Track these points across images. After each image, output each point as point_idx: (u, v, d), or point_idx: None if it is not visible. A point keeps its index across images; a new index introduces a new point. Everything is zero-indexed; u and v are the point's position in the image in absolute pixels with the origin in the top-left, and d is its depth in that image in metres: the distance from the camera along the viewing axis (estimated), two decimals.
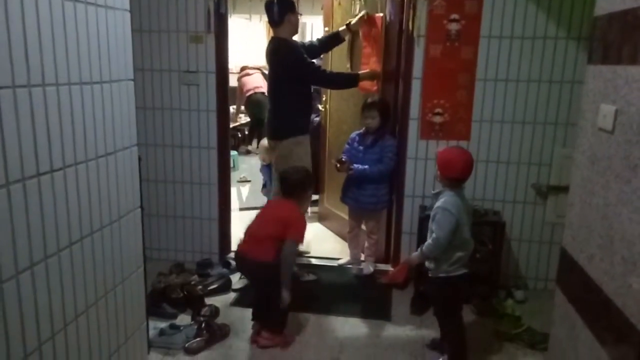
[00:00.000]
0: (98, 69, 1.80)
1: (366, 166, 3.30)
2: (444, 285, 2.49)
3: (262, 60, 7.61)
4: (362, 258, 3.63)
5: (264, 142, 3.82)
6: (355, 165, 3.32)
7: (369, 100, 3.34)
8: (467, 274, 2.46)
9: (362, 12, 3.51)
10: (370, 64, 3.55)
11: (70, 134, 1.67)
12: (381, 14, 3.47)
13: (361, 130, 3.42)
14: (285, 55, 3.18)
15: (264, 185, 4.26)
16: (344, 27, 3.51)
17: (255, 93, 6.91)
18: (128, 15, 1.98)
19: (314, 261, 3.73)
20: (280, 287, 2.57)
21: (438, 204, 2.43)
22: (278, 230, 2.57)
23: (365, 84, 3.47)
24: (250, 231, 2.68)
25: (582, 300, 1.78)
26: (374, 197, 3.38)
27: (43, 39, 1.51)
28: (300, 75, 3.18)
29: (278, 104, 3.27)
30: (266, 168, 4.03)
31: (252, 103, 6.98)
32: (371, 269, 3.52)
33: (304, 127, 3.30)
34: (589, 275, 1.69)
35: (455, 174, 2.41)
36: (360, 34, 3.63)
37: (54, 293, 1.63)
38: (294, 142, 3.22)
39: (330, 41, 3.58)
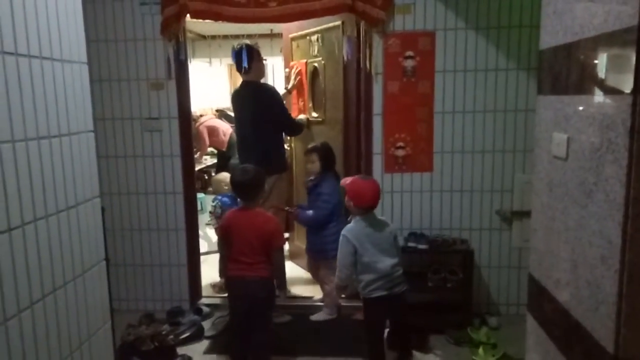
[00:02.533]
0: (56, 123, 1.77)
1: (300, 210, 3.36)
2: (364, 306, 2.65)
3: (224, 102, 7.68)
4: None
5: (222, 176, 4.16)
6: (300, 209, 3.37)
7: (310, 145, 3.40)
8: (384, 297, 2.53)
9: (294, 69, 3.99)
10: (300, 108, 4.10)
11: (29, 190, 1.62)
12: (304, 61, 3.94)
13: None
14: (269, 99, 3.47)
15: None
16: (284, 91, 4.02)
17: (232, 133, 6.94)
18: (86, 68, 1.97)
19: (287, 302, 3.66)
20: (272, 307, 2.75)
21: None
22: (264, 246, 2.58)
23: None
24: (237, 257, 2.61)
25: (553, 325, 1.80)
26: (315, 244, 3.35)
27: None
28: (278, 119, 3.50)
29: (261, 144, 3.46)
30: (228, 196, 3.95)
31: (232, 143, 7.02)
32: (326, 316, 3.40)
33: (285, 164, 3.76)
34: (557, 300, 1.72)
35: (366, 203, 2.59)
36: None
37: (15, 358, 1.55)
38: (278, 178, 3.52)
39: None
